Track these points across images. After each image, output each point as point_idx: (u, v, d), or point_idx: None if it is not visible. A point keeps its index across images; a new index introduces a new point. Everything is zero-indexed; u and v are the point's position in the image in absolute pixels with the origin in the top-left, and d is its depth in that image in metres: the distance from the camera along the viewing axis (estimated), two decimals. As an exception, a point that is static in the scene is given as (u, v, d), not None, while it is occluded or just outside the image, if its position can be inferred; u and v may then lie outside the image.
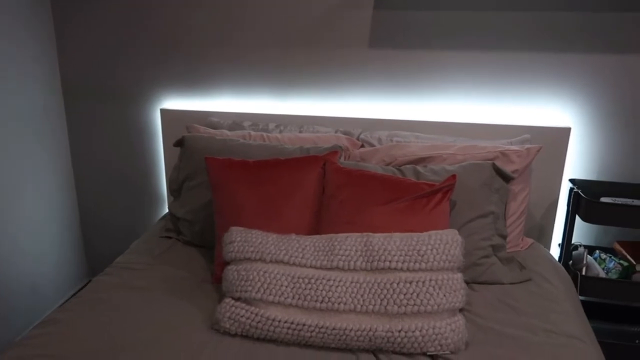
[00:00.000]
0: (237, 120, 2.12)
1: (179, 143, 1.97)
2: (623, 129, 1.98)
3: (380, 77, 2.09)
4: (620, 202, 1.86)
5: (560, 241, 2.09)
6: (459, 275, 1.33)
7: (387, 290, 1.28)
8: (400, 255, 1.31)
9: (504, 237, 1.70)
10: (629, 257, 1.87)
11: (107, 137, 2.39)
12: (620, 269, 1.85)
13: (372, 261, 1.33)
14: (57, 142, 2.37)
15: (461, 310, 1.37)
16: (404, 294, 1.26)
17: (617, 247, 1.95)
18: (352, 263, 1.34)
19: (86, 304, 1.46)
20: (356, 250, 1.35)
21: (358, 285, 1.30)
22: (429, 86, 2.07)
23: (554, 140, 1.95)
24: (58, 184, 2.38)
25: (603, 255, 1.93)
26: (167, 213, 2.08)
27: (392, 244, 1.34)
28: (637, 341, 2.00)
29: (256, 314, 1.29)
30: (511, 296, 1.53)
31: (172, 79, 2.26)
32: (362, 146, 1.97)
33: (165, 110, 2.24)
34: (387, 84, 2.09)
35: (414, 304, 1.25)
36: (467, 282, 1.57)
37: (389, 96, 2.11)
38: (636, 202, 1.87)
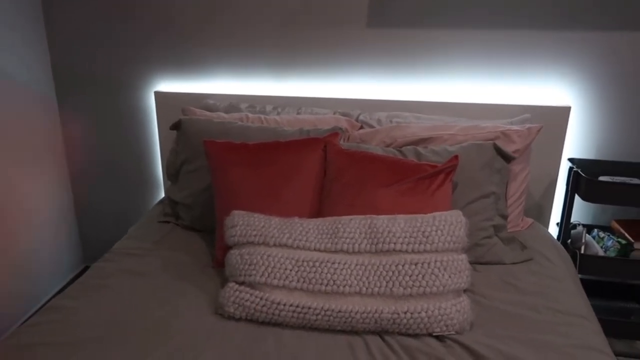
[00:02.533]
0: (233, 103, 2.09)
1: (176, 126, 1.93)
2: (622, 108, 1.98)
3: (378, 57, 2.06)
4: (618, 181, 1.87)
5: (559, 220, 2.10)
6: (464, 256, 1.33)
7: (392, 272, 1.28)
8: (405, 237, 1.30)
9: (505, 217, 1.71)
10: (627, 235, 1.88)
11: (100, 122, 2.35)
12: (619, 247, 1.86)
13: (377, 243, 1.32)
14: (50, 128, 2.32)
15: (465, 290, 1.37)
16: (409, 276, 1.26)
17: (615, 225, 1.97)
18: (356, 246, 1.33)
19: (89, 290, 1.44)
20: (360, 233, 1.35)
21: (363, 267, 1.30)
22: (428, 66, 2.04)
23: (554, 120, 1.94)
24: (52, 170, 2.34)
25: (601, 234, 1.94)
26: (165, 197, 2.06)
27: (396, 226, 1.33)
28: (631, 317, 2.03)
29: (261, 298, 1.28)
30: (513, 276, 1.54)
31: (166, 61, 2.21)
32: (362, 127, 1.95)
33: (160, 92, 2.20)
34: (386, 64, 2.06)
35: (420, 286, 1.25)
36: (470, 263, 1.58)
37: (388, 76, 2.08)
38: (634, 181, 1.88)
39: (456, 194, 1.63)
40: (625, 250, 1.85)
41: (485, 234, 1.63)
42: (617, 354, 1.96)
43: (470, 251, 1.59)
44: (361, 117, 1.97)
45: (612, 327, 1.89)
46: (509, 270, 1.57)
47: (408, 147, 1.75)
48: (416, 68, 2.05)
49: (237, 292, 1.31)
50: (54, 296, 2.24)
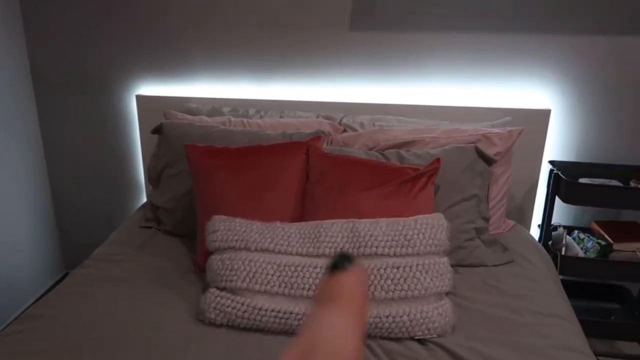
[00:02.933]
0: (216, 106, 2.07)
1: (157, 130, 1.91)
2: (601, 111, 2.00)
3: (361, 60, 2.06)
4: (597, 183, 1.89)
5: (540, 222, 2.12)
6: (445, 259, 1.33)
7: (375, 276, 1.27)
8: (387, 241, 1.30)
9: (487, 219, 1.72)
10: (606, 236, 1.91)
11: (80, 126, 2.31)
12: (598, 248, 1.89)
13: (359, 247, 1.32)
14: (28, 132, 2.27)
15: (447, 293, 1.38)
16: (391, 280, 1.26)
17: (595, 226, 1.99)
18: (338, 250, 1.32)
19: (67, 297, 1.42)
20: (342, 237, 1.34)
21: (345, 271, 1.29)
22: (410, 69, 2.05)
23: (535, 123, 1.96)
24: (30, 174, 2.30)
25: (581, 235, 1.97)
26: (146, 202, 2.04)
27: (378, 229, 1.33)
28: (612, 317, 2.06)
29: (242, 304, 1.27)
30: (495, 278, 1.55)
31: (147, 64, 2.19)
32: (345, 131, 1.95)
33: (141, 96, 2.17)
34: (369, 67, 2.07)
35: (402, 289, 1.25)
36: (452, 266, 1.58)
37: (371, 80, 2.08)
38: (613, 183, 1.90)
39: (438, 197, 1.64)
40: (605, 251, 1.88)
41: (467, 236, 1.64)
42: (597, 354, 1.98)
43: (453, 254, 1.59)
44: (344, 121, 1.97)
45: (593, 328, 1.91)
46: (490, 273, 1.58)
47: (391, 150, 1.76)
48: (399, 71, 2.06)
49: (218, 298, 1.29)
50: (33, 304, 2.19)
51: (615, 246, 1.86)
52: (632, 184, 1.89)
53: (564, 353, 1.23)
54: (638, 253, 1.86)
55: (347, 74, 2.09)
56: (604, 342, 2.08)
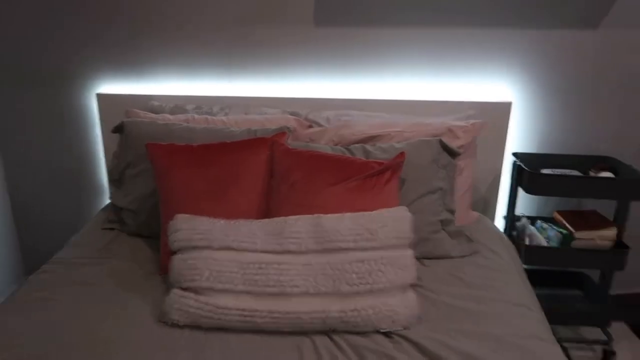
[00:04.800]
0: (179, 104, 2.03)
1: (118, 129, 1.87)
2: (561, 103, 2.05)
3: (327, 55, 2.06)
4: (558, 173, 1.93)
5: (504, 213, 2.16)
6: (410, 252, 1.34)
7: (339, 270, 1.27)
8: (351, 235, 1.30)
9: (452, 212, 1.73)
10: (567, 225, 1.95)
11: (39, 125, 2.23)
12: (561, 237, 1.93)
13: (324, 242, 1.31)
14: (-18, 133, 2.19)
15: (413, 286, 1.38)
16: (356, 274, 1.26)
17: (557, 216, 2.04)
18: (303, 246, 1.32)
19: (24, 305, 1.37)
20: (307, 233, 1.33)
21: (310, 267, 1.28)
22: (375, 64, 2.05)
23: (497, 115, 2.00)
24: (-14, 177, 2.21)
25: (544, 225, 2.01)
26: (109, 204, 1.98)
27: (342, 224, 1.33)
28: (575, 304, 2.11)
29: (206, 303, 1.25)
30: (460, 269, 1.57)
31: (108, 61, 2.12)
32: (311, 126, 1.94)
33: (102, 94, 2.11)
34: (334, 62, 2.06)
35: (366, 283, 1.25)
36: (417, 258, 1.59)
37: (336, 75, 2.08)
38: (574, 173, 1.95)
39: (404, 191, 1.65)
40: (567, 239, 1.92)
41: (432, 228, 1.65)
42: (563, 340, 2.04)
43: (418, 246, 1.59)
44: (310, 116, 1.96)
45: (558, 315, 1.96)
46: (456, 264, 1.60)
47: (356, 145, 1.76)
48: (364, 66, 2.06)
49: (182, 299, 1.27)
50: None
51: (577, 235, 1.91)
52: (592, 174, 1.95)
53: (528, 341, 1.25)
54: (597, 241, 1.91)
55: (313, 69, 2.08)
56: (569, 328, 2.13)
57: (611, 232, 1.91)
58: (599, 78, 2.01)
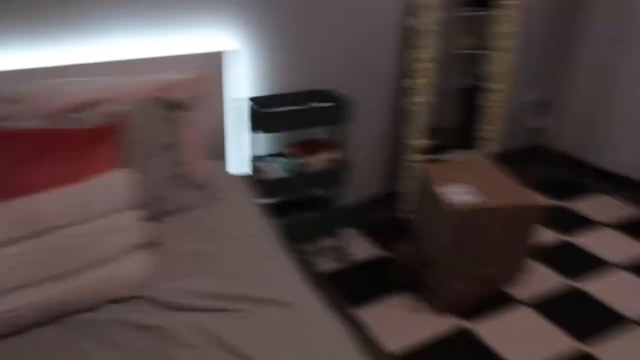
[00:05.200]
0: None
1: None
2: (284, 46, 2.22)
3: (15, 20, 1.79)
4: (283, 110, 2.12)
5: (245, 156, 2.29)
6: (131, 213, 1.32)
7: (58, 251, 1.20)
8: (61, 211, 1.22)
9: (186, 165, 1.76)
10: (296, 155, 2.19)
11: None
12: (293, 166, 2.16)
13: (35, 226, 1.21)
14: None
15: (148, 245, 1.39)
16: (75, 250, 1.20)
17: (288, 150, 2.26)
18: (11, 234, 1.19)
19: None
20: (16, 219, 1.20)
21: (23, 257, 1.18)
22: (80, 25, 1.87)
23: (222, 64, 2.05)
24: None
25: (279, 160, 2.21)
26: None
27: (54, 202, 1.24)
28: (313, 223, 2.36)
29: None
30: (199, 220, 1.62)
31: None
32: (14, 103, 1.70)
33: None
34: (29, 27, 1.81)
35: (86, 257, 1.21)
36: (157, 215, 1.59)
37: (34, 42, 1.83)
38: (295, 108, 2.16)
39: (131, 152, 1.59)
40: (298, 168, 2.16)
41: (167, 184, 1.66)
42: (308, 253, 2.35)
43: (154, 205, 1.60)
44: (7, 93, 1.71)
45: (303, 234, 2.23)
46: (196, 215, 1.65)
47: (70, 114, 1.62)
48: (71, 28, 1.86)
49: None
50: None
51: (305, 160, 2.16)
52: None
53: (258, 262, 1.42)
54: (323, 163, 2.19)
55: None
56: (310, 243, 2.44)
57: (334, 155, 2.21)
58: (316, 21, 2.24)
